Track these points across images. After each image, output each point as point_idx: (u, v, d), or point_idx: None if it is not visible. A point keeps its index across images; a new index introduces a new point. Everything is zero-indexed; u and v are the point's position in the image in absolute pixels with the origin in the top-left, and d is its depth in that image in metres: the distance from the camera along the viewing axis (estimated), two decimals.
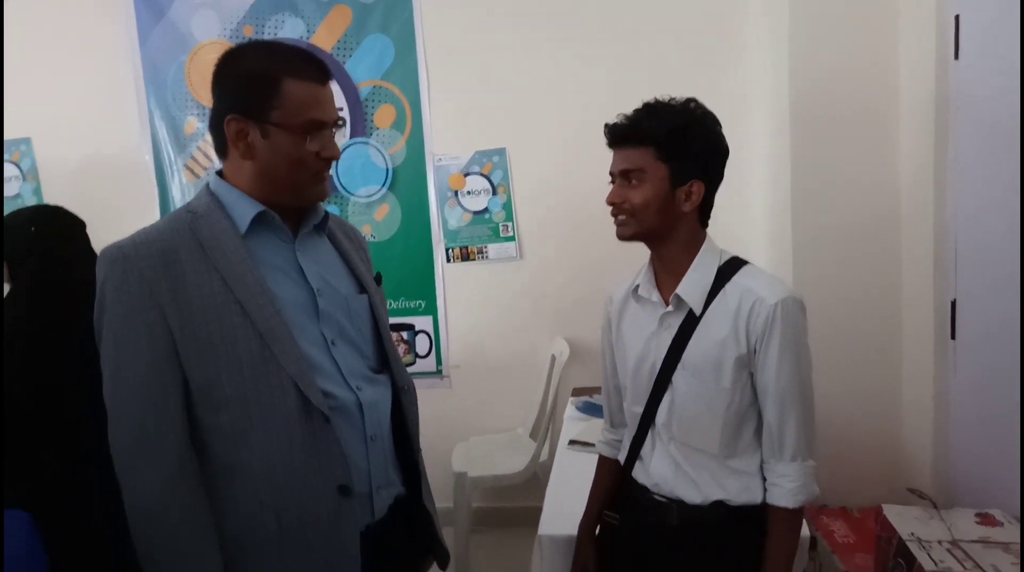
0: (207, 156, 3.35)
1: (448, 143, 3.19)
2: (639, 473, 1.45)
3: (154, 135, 3.35)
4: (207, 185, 1.24)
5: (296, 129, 1.16)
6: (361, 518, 1.23)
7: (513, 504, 3.24)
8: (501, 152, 3.17)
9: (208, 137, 3.17)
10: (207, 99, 3.25)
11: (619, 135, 1.35)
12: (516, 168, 3.17)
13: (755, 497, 1.34)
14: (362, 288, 1.31)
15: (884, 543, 1.97)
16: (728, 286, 1.33)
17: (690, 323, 1.34)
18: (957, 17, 2.17)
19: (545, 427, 2.98)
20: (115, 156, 3.36)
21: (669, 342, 1.36)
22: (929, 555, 1.76)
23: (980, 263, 2.13)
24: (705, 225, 1.39)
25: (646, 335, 1.40)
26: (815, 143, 2.44)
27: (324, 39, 3.21)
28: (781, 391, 1.29)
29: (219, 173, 1.24)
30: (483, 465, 2.96)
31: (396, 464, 1.33)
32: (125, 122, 3.34)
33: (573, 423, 2.49)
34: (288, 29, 3.21)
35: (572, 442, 2.30)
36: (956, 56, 2.18)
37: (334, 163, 1.26)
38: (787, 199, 2.50)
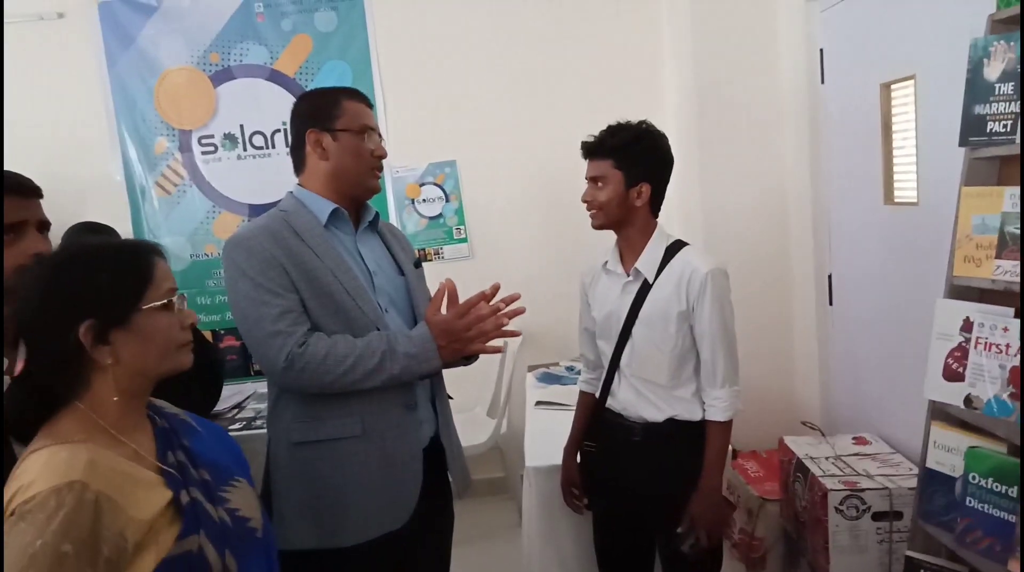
0: (177, 174, 3.59)
1: (405, 156, 3.57)
2: (612, 403, 1.92)
3: (125, 155, 3.57)
4: (291, 192, 1.67)
5: (356, 131, 1.62)
6: (416, 438, 1.63)
7: (479, 476, 3.63)
8: (452, 164, 3.59)
9: (178, 155, 3.48)
10: (176, 120, 3.54)
11: (589, 149, 1.83)
12: (466, 177, 3.60)
13: (696, 415, 1.84)
14: (401, 272, 1.73)
15: (786, 464, 2.50)
16: (673, 261, 1.82)
17: (645, 289, 1.82)
18: (821, 50, 2.76)
19: (503, 404, 3.41)
20: (87, 176, 3.55)
21: (630, 303, 1.84)
22: (819, 467, 2.30)
23: (848, 246, 2.72)
24: (656, 215, 1.87)
25: (613, 297, 1.88)
26: (717, 145, 3.02)
27: (287, 65, 3.53)
28: (713, 335, 1.78)
29: (299, 184, 1.68)
30: None
31: (432, 405, 1.73)
32: (96, 143, 3.55)
33: (535, 391, 2.93)
34: (252, 56, 3.51)
35: (539, 403, 2.74)
36: (822, 81, 2.77)
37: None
38: (697, 190, 3.05)
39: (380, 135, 1.69)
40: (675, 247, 1.85)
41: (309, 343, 1.48)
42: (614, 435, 1.91)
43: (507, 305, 1.60)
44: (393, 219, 3.62)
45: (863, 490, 2.13)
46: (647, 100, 3.40)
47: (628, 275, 1.85)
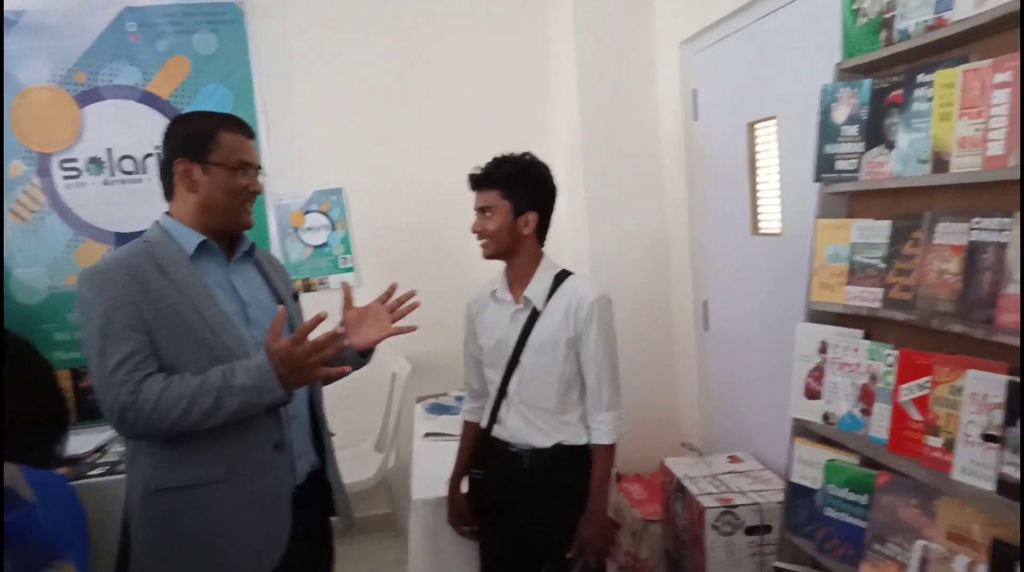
0: (34, 199, 3.34)
1: (289, 183, 3.49)
2: (499, 431, 1.93)
3: None
4: (157, 221, 1.56)
5: (230, 166, 1.54)
6: (289, 478, 1.57)
7: (366, 513, 3.53)
8: (339, 192, 3.54)
9: (36, 179, 3.25)
10: (35, 142, 3.31)
11: (476, 181, 1.85)
12: (353, 206, 3.55)
13: (582, 440, 1.88)
14: (280, 302, 1.66)
15: (667, 486, 2.59)
16: (561, 289, 1.87)
17: (534, 316, 1.85)
18: (695, 90, 2.93)
19: (391, 437, 3.34)
20: None
21: (519, 331, 1.86)
22: (696, 486, 2.39)
23: (721, 274, 2.87)
24: (542, 244, 1.91)
25: (502, 325, 1.90)
26: (601, 178, 3.14)
27: (161, 87, 3.37)
28: (599, 361, 1.84)
29: (167, 213, 1.56)
30: None
31: (312, 442, 1.68)
32: None
33: (424, 422, 2.89)
34: (124, 77, 3.34)
35: (428, 434, 2.70)
36: (696, 118, 2.94)
37: None
38: (584, 221, 3.14)
39: (258, 168, 1.61)
40: (562, 276, 1.91)
41: (141, 390, 1.39)
42: (502, 463, 1.92)
43: (400, 305, 1.68)
44: (276, 248, 3.51)
45: (736, 506, 2.23)
46: (534, 131, 3.48)
47: (517, 303, 1.88)
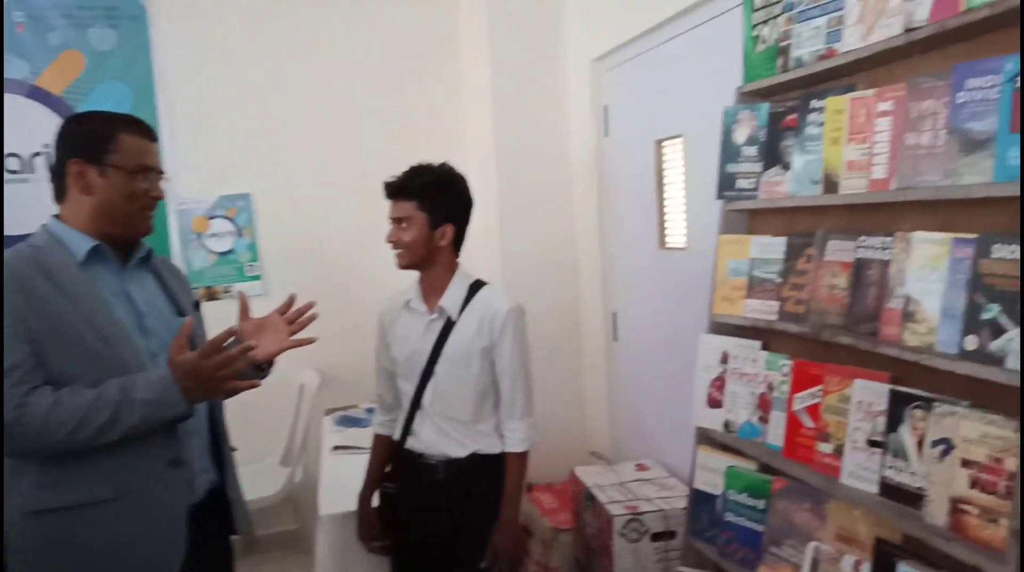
0: None
1: (192, 187, 3.35)
2: (412, 443, 1.91)
3: None
4: (45, 225, 1.46)
5: (130, 170, 1.45)
6: (186, 496, 1.49)
7: (271, 530, 3.42)
8: (246, 197, 3.42)
9: None
10: None
11: (393, 190, 1.83)
12: (262, 211, 3.44)
13: (496, 449, 1.89)
14: (180, 312, 1.59)
15: (577, 494, 2.63)
16: (475, 299, 1.87)
17: (449, 326, 1.85)
18: (606, 106, 3.01)
19: (298, 451, 3.25)
20: None
21: (433, 341, 1.85)
22: (605, 494, 2.43)
23: (629, 286, 2.95)
24: (458, 254, 1.91)
25: (416, 336, 1.89)
26: (515, 191, 3.17)
27: (53, 82, 3.18)
28: (513, 370, 1.86)
29: (56, 216, 1.46)
30: None
31: (212, 457, 1.60)
32: None
33: (333, 435, 2.83)
34: (10, 70, 3.12)
35: (337, 447, 2.64)
36: (607, 134, 3.02)
37: None
38: (497, 233, 3.16)
39: (160, 173, 1.53)
40: (476, 286, 1.91)
41: (27, 404, 1.30)
42: (416, 475, 1.91)
43: (300, 316, 1.61)
44: (177, 255, 3.36)
45: (643, 513, 2.29)
46: (447, 141, 3.49)
47: (432, 313, 1.87)
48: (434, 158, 1.92)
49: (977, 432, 1.16)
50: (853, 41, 1.48)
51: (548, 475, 3.04)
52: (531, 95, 3.17)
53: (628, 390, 3.02)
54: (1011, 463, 1.11)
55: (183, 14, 3.29)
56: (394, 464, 1.98)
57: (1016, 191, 1.12)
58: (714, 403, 1.86)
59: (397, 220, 1.84)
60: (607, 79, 2.97)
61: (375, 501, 2.01)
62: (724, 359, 1.85)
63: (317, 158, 3.47)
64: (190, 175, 3.34)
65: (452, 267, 1.91)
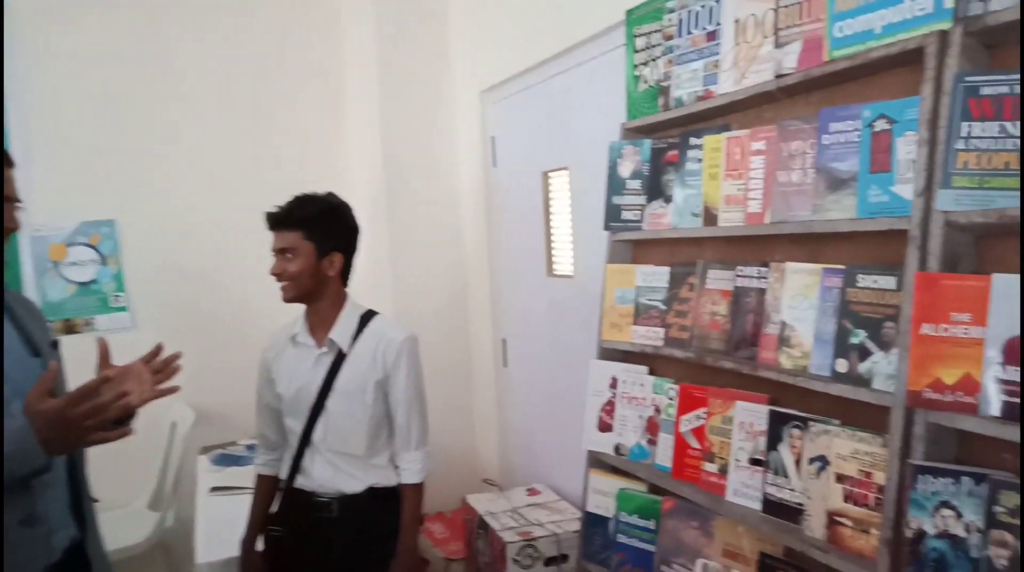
0: None
1: (47, 213, 3.08)
2: (304, 482, 1.82)
3: None
4: None
5: None
6: (41, 556, 1.35)
7: None
8: (111, 223, 3.19)
9: None
10: None
11: (275, 221, 1.75)
12: (128, 239, 3.22)
13: (392, 481, 1.84)
14: (36, 352, 1.44)
15: (469, 523, 2.61)
16: (367, 330, 1.82)
17: (340, 360, 1.78)
18: (493, 138, 3.06)
19: (170, 494, 3.03)
20: None
21: (324, 375, 1.78)
22: (498, 521, 2.43)
23: (519, 313, 2.99)
24: (346, 285, 1.86)
25: (304, 371, 1.81)
26: (405, 221, 3.14)
27: None
28: (408, 401, 1.82)
29: None
30: None
31: (72, 510, 1.46)
32: None
33: (210, 475, 2.66)
34: None
35: (215, 488, 2.49)
36: (495, 164, 3.06)
37: None
38: (387, 264, 3.12)
39: (17, 202, 1.38)
40: (367, 317, 1.86)
41: None
42: (307, 515, 1.82)
43: (167, 366, 1.43)
44: (30, 287, 3.08)
45: (536, 539, 2.30)
46: (333, 170, 3.42)
47: (321, 346, 1.81)
48: (318, 188, 1.87)
49: (848, 449, 1.26)
50: (728, 85, 1.59)
51: (440, 504, 3.00)
52: (420, 125, 3.17)
53: (518, 416, 3.04)
54: (879, 477, 1.21)
55: (41, 28, 3.05)
56: (282, 505, 1.89)
57: (878, 226, 1.24)
58: (604, 427, 1.91)
59: (281, 251, 1.77)
60: (495, 111, 3.02)
61: (259, 545, 1.90)
62: (613, 384, 1.90)
63: (190, 184, 3.29)
64: (46, 199, 3.07)
65: (341, 298, 1.85)
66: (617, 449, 1.87)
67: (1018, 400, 1.01)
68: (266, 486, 1.92)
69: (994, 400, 1.04)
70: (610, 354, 1.95)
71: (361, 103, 3.33)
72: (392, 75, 3.11)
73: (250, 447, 2.96)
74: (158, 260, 3.27)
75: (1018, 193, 1.03)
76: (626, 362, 1.92)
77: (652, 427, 1.79)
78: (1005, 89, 1.05)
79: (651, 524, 1.76)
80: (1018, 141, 1.04)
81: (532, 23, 2.58)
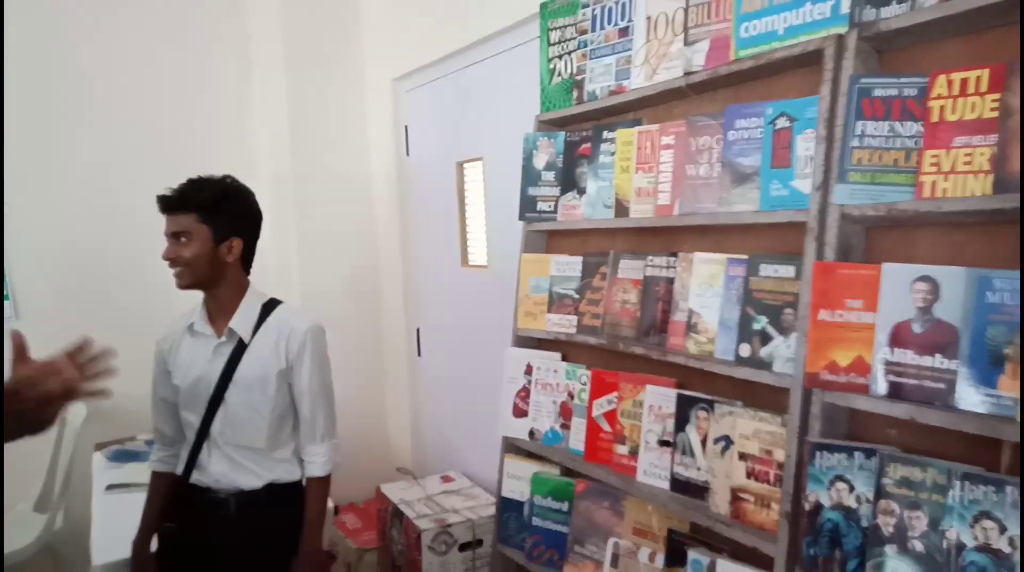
0: None
1: None
2: (199, 477, 1.75)
3: None
4: None
5: None
6: None
7: None
8: None
9: None
10: None
11: (168, 204, 1.67)
12: (12, 220, 2.99)
13: (295, 476, 1.79)
14: None
15: (383, 512, 2.59)
16: (270, 319, 1.76)
17: (240, 349, 1.72)
18: (406, 126, 3.02)
19: (59, 493, 2.85)
20: None
21: (223, 366, 1.71)
22: (412, 509, 2.43)
23: (433, 302, 2.98)
24: (248, 272, 1.79)
25: (202, 361, 1.73)
26: (314, 209, 3.06)
27: None
28: (313, 392, 1.77)
29: None
30: None
31: None
32: None
33: (106, 473, 2.52)
34: None
35: (111, 486, 2.36)
36: (408, 154, 3.03)
37: None
38: (295, 252, 3.04)
39: None
40: (271, 305, 1.81)
41: None
42: (203, 511, 1.75)
43: (95, 363, 1.29)
44: None
45: (451, 525, 2.31)
46: (234, 155, 3.28)
47: (220, 336, 1.74)
48: (220, 172, 1.78)
49: (751, 428, 1.33)
50: (640, 80, 1.63)
51: (352, 495, 2.97)
52: (330, 110, 3.10)
53: (431, 404, 3.04)
54: (779, 454, 1.28)
55: None
56: (177, 502, 1.81)
57: (778, 218, 1.31)
58: (519, 413, 1.94)
59: (175, 235, 1.68)
60: (408, 99, 2.99)
61: (154, 546, 1.82)
62: (528, 371, 1.93)
63: (82, 166, 3.09)
64: None
65: (242, 285, 1.78)
66: (532, 434, 1.90)
67: (902, 380, 1.10)
68: (161, 484, 1.84)
69: (882, 380, 1.12)
70: (525, 342, 1.98)
71: (267, 85, 3.21)
72: (300, 57, 3.03)
73: (149, 442, 2.82)
74: (44, 244, 3.05)
75: (905, 188, 1.12)
76: (540, 349, 1.96)
77: (566, 412, 1.83)
78: (895, 91, 1.14)
79: (564, 506, 1.81)
80: (906, 140, 1.13)
81: (448, 11, 2.57)
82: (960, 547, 1.01)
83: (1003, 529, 0.98)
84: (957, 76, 1.07)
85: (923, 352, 1.08)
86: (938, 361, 1.06)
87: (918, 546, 1.05)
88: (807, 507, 1.18)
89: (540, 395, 1.90)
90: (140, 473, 2.39)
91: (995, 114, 1.03)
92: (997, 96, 1.03)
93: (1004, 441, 1.04)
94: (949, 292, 1.06)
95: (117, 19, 3.14)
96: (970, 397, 1.03)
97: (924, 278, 1.09)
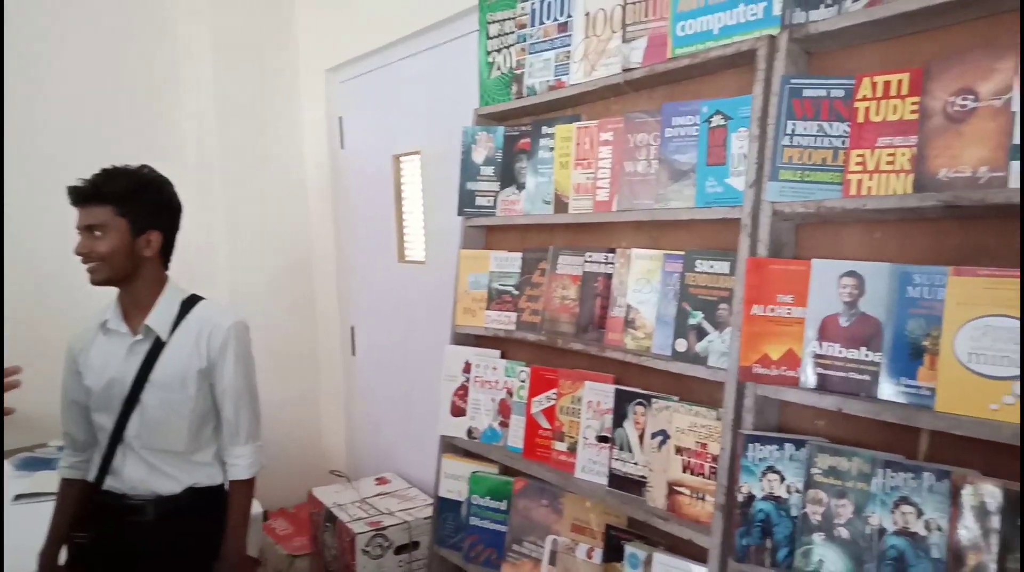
0: None
1: None
2: (113, 483, 1.65)
3: None
4: None
5: None
6: None
7: None
8: None
9: None
10: None
11: (81, 195, 1.57)
12: None
13: (217, 479, 1.72)
14: None
15: (315, 516, 2.53)
16: (190, 316, 1.68)
17: (157, 348, 1.64)
18: (341, 118, 2.96)
19: None
20: None
21: (138, 365, 1.62)
22: (346, 513, 2.38)
23: (368, 300, 2.93)
24: (167, 266, 1.71)
25: (116, 361, 1.64)
26: (243, 204, 2.96)
27: None
28: (236, 392, 1.70)
29: None
30: None
31: None
32: None
33: (14, 482, 2.37)
34: None
35: (20, 496, 2.23)
36: (343, 146, 2.97)
37: None
38: (223, 246, 2.94)
39: None
40: (191, 301, 1.73)
41: None
42: (117, 519, 1.65)
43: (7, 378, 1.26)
44: None
45: (386, 528, 2.27)
46: (153, 146, 3.13)
47: (136, 334, 1.65)
48: (137, 162, 1.68)
49: (687, 422, 1.35)
50: (579, 76, 1.64)
51: (282, 499, 2.89)
52: (260, 99, 3.00)
53: (367, 405, 2.98)
54: (714, 447, 1.30)
55: None
56: (89, 510, 1.70)
57: (713, 215, 1.33)
58: (458, 411, 1.92)
59: (88, 228, 1.58)
60: (343, 90, 2.93)
61: (64, 557, 1.71)
62: (467, 368, 1.91)
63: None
64: None
65: (160, 281, 1.70)
66: (470, 433, 1.88)
67: (830, 372, 1.13)
68: (72, 492, 1.74)
69: (811, 373, 1.15)
70: (463, 339, 1.96)
71: (194, 68, 3.08)
72: (229, 43, 2.92)
73: (62, 448, 2.68)
74: None
75: (833, 186, 1.15)
76: (479, 347, 1.94)
77: (504, 410, 1.82)
78: (823, 92, 1.17)
79: (503, 505, 1.79)
80: (834, 139, 1.16)
81: (385, 1, 2.52)
82: (881, 532, 1.04)
83: (920, 513, 1.01)
84: (880, 79, 1.11)
85: (849, 345, 1.11)
86: (863, 354, 1.10)
87: (844, 533, 1.08)
88: (740, 498, 1.20)
89: (479, 393, 1.88)
90: (51, 481, 2.26)
91: (915, 116, 1.07)
92: (917, 99, 1.07)
93: (922, 429, 1.09)
94: (873, 287, 1.10)
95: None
96: (891, 388, 1.06)
97: (850, 273, 1.12)
